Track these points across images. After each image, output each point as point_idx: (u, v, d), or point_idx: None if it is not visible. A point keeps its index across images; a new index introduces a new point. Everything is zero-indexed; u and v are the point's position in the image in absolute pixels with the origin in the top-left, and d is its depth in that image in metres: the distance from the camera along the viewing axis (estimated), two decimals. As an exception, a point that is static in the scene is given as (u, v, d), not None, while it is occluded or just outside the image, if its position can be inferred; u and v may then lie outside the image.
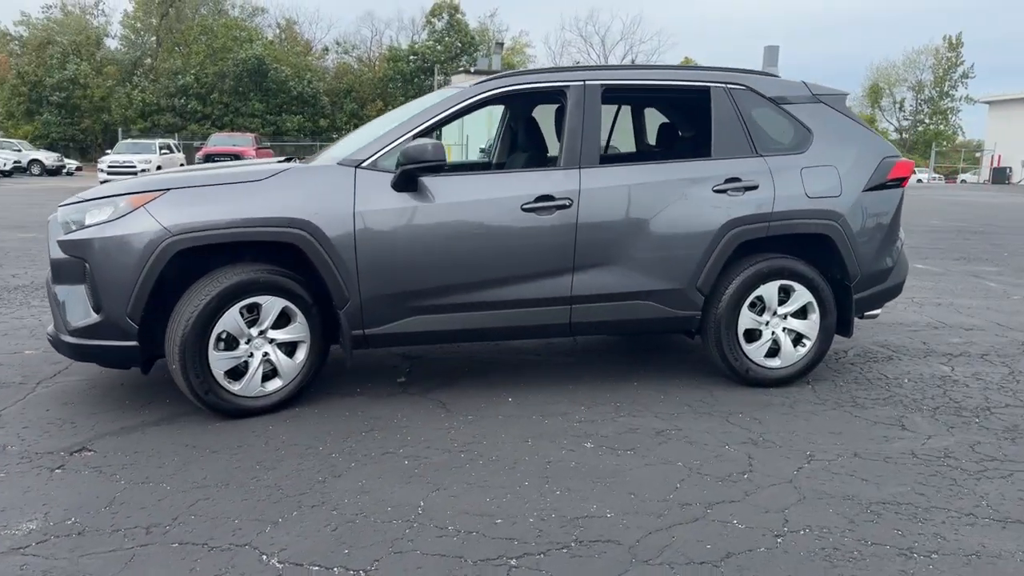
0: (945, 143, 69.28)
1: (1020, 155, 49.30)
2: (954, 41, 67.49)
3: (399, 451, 3.56)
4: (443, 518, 2.94)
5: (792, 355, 4.55)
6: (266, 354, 3.95)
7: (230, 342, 3.87)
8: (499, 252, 4.09)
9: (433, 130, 4.17)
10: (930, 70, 69.39)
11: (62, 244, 3.84)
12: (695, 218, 4.31)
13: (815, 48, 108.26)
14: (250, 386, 3.92)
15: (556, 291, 4.19)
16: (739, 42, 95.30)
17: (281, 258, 4.01)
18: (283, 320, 3.99)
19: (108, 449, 3.54)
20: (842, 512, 3.04)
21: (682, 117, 5.44)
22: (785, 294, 4.51)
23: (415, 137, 4.04)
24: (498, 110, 5.98)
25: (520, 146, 5.39)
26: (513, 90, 4.29)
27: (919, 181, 56.54)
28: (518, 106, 5.52)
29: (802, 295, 4.49)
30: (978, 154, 60.01)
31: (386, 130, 4.19)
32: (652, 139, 5.79)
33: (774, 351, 4.55)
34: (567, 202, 4.13)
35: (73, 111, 50.18)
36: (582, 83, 4.33)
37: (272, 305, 3.90)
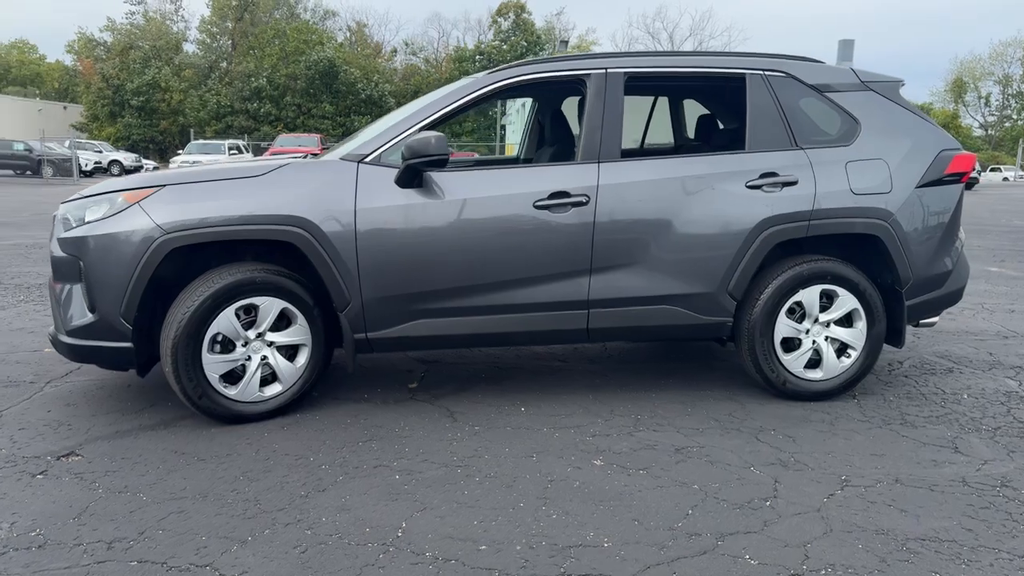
0: (1034, 139, 65.93)
1: (1117, 152, 46.42)
2: (1045, 32, 64.05)
3: (393, 464, 3.34)
4: (422, 542, 2.69)
5: (835, 366, 4.16)
6: (264, 357, 3.78)
7: (226, 345, 3.70)
8: (510, 252, 3.82)
9: (442, 122, 3.94)
10: (1019, 63, 66.13)
11: (61, 242, 3.75)
12: (726, 216, 3.97)
13: (893, 43, 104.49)
14: (247, 391, 3.75)
15: (572, 294, 3.91)
16: (813, 38, 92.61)
17: (284, 258, 3.84)
18: (284, 322, 3.81)
19: (96, 454, 3.41)
20: (873, 549, 2.68)
21: (716, 107, 5.08)
22: (828, 300, 4.12)
23: (422, 130, 3.81)
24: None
25: (547, 140, 5.11)
26: (528, 79, 4.02)
27: (1005, 179, 53.93)
28: (545, 98, 5.25)
29: (847, 301, 4.10)
30: (1070, 151, 56.88)
31: (393, 123, 3.97)
32: (691, 132, 5.44)
33: (815, 362, 4.17)
34: (583, 199, 3.84)
35: (152, 113, 51.84)
36: (603, 71, 4.03)
37: (270, 306, 3.72)
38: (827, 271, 4.06)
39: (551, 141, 4.99)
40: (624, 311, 3.97)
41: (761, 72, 4.16)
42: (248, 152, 34.09)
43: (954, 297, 4.40)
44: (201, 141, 33.93)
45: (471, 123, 48.49)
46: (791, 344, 4.15)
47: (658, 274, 3.95)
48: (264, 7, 57.65)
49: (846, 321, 4.16)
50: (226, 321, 3.65)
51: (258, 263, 3.79)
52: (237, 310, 3.67)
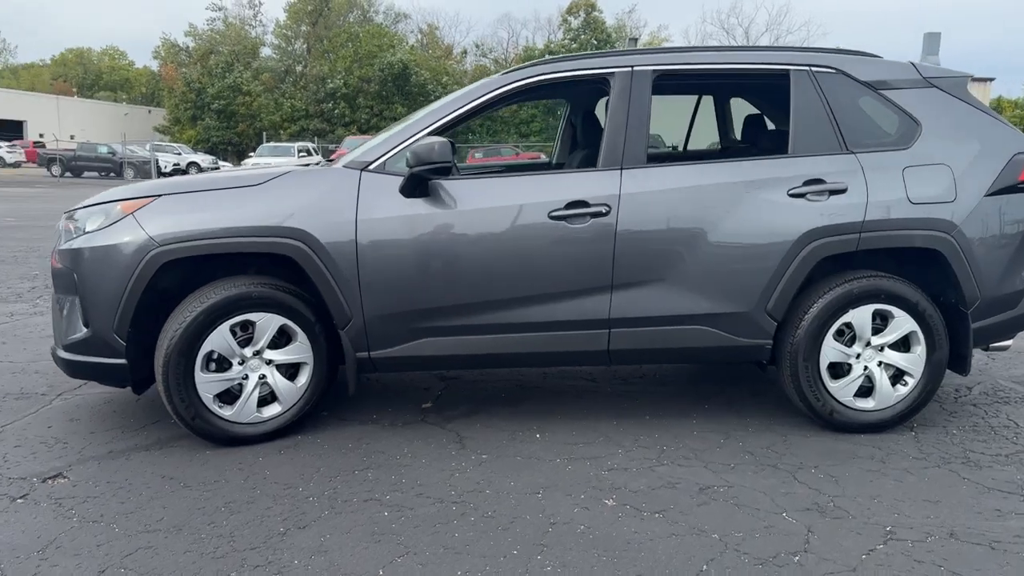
0: None
1: None
2: None
3: (385, 497, 3.08)
4: (395, 595, 2.43)
5: (889, 395, 3.73)
6: (263, 377, 3.58)
7: (221, 363, 3.51)
8: (522, 267, 3.53)
9: (452, 127, 3.66)
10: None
11: (59, 253, 3.62)
12: (764, 228, 3.58)
13: (984, 35, 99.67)
14: (244, 412, 3.55)
15: (591, 312, 3.59)
16: (896, 32, 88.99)
17: (288, 271, 3.63)
18: (284, 339, 3.60)
19: (82, 477, 3.26)
20: (914, 624, 2.30)
21: (762, 107, 4.67)
22: (882, 321, 3.69)
23: (429, 136, 3.55)
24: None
25: (579, 145, 4.79)
26: (546, 79, 3.71)
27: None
28: (577, 100, 4.93)
29: (903, 322, 3.66)
30: None
31: (399, 128, 3.72)
32: (738, 135, 5.04)
33: (867, 390, 3.75)
34: (604, 209, 3.52)
35: (231, 116, 53.21)
36: (629, 68, 3.69)
37: (268, 323, 3.51)
38: (881, 289, 3.63)
39: (583, 145, 4.67)
40: (649, 331, 3.63)
41: (807, 68, 3.75)
42: (317, 155, 34.59)
43: (1030, 318, 3.90)
44: (272, 144, 34.61)
45: (539, 124, 48.22)
46: (839, 370, 3.73)
47: (687, 291, 3.59)
48: (338, 10, 58.58)
49: (902, 345, 3.72)
50: (220, 338, 3.45)
51: (260, 277, 3.60)
52: (233, 326, 3.48)
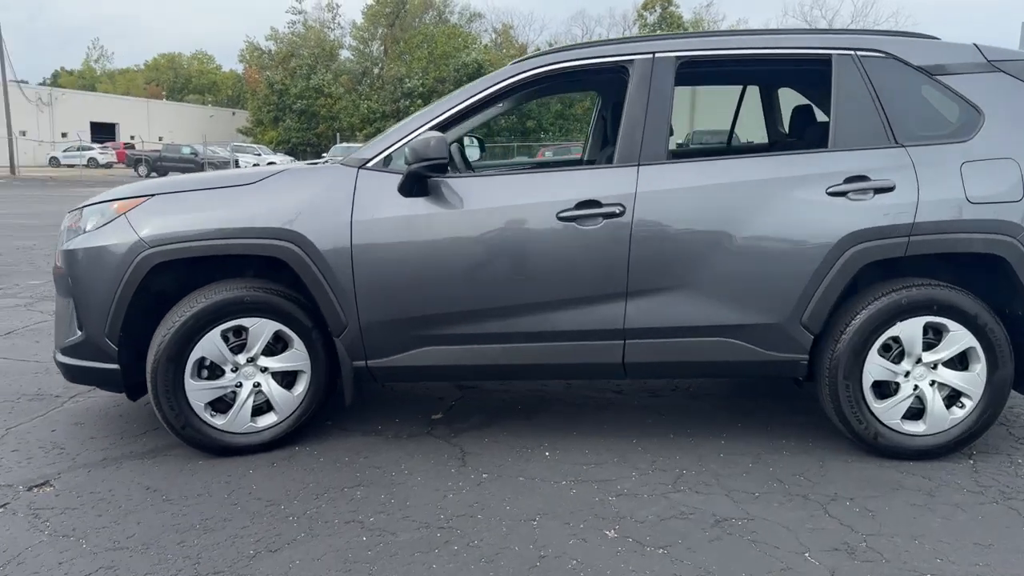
0: None
1: None
2: None
3: (368, 520, 2.86)
4: (350, 635, 2.21)
5: (943, 418, 3.32)
6: (257, 385, 3.41)
7: (214, 370, 3.36)
8: (528, 272, 3.27)
9: (457, 122, 3.43)
10: None
11: (59, 254, 3.54)
12: (799, 230, 3.23)
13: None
14: (237, 421, 3.39)
15: (604, 321, 3.29)
16: (990, 22, 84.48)
17: (288, 275, 3.45)
18: (280, 346, 3.43)
19: (68, 486, 3.15)
20: None
21: (811, 97, 4.27)
22: (935, 335, 3.29)
23: (430, 130, 3.31)
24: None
25: (610, 140, 4.48)
26: (556, 69, 3.43)
27: None
28: (607, 92, 4.62)
29: (960, 337, 3.25)
30: None
31: (403, 123, 3.50)
32: (786, 128, 4.65)
33: (917, 412, 3.35)
34: (617, 209, 3.22)
35: (312, 117, 54.35)
36: (650, 55, 3.38)
37: (261, 328, 3.35)
38: (933, 299, 3.23)
39: (613, 140, 4.36)
40: (668, 343, 3.31)
41: (852, 52, 3.37)
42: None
43: (1113, 334, 3.42)
44: (344, 144, 35.10)
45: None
46: (885, 389, 3.34)
47: (711, 300, 3.26)
48: (414, 12, 59.16)
49: (959, 362, 3.30)
50: (211, 344, 3.30)
51: (257, 280, 3.44)
52: (225, 332, 3.32)
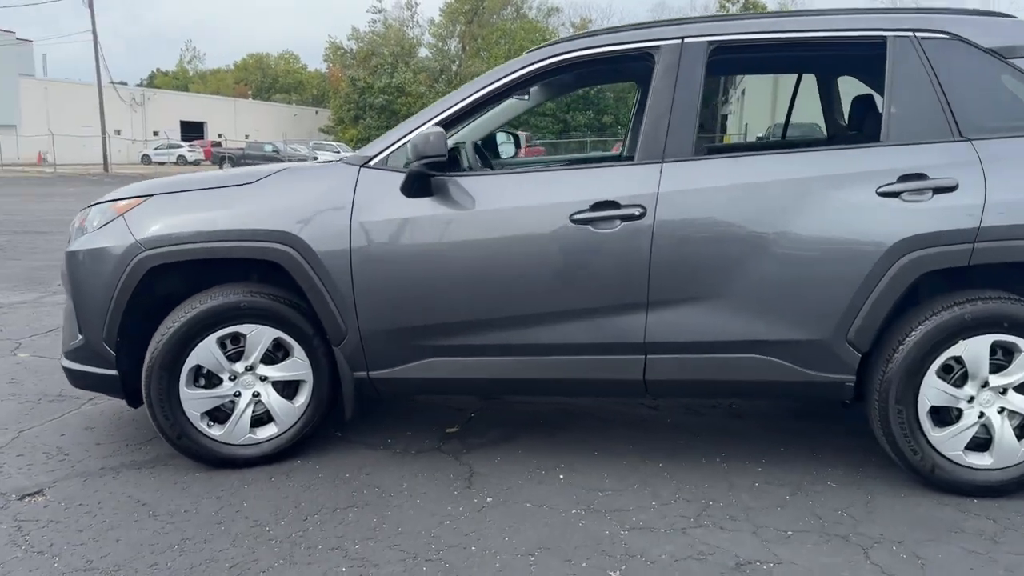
0: None
1: None
2: None
3: (354, 547, 2.64)
4: None
5: (1014, 451, 2.90)
6: (256, 394, 3.24)
7: (211, 379, 3.21)
8: (539, 279, 2.99)
9: (464, 116, 3.19)
10: None
11: (64, 255, 3.45)
12: (843, 234, 2.86)
13: None
14: (235, 432, 3.23)
15: (623, 334, 2.99)
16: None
17: (289, 279, 3.27)
18: (281, 354, 3.25)
19: (60, 496, 3.05)
20: None
21: (873, 85, 3.84)
22: (1004, 356, 2.87)
23: (434, 126, 3.07)
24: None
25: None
26: (574, 57, 3.13)
27: None
28: (645, 82, 4.27)
29: (1035, 359, 2.82)
30: None
31: (413, 117, 3.27)
32: (845, 120, 4.23)
33: (983, 442, 2.93)
34: (637, 211, 2.91)
35: (393, 115, 55.05)
36: (678, 41, 3.06)
37: (259, 336, 3.17)
38: (1003, 315, 2.81)
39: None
40: (694, 359, 2.99)
41: (910, 33, 2.97)
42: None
43: None
44: (405, 142, 35.32)
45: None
46: (946, 416, 2.94)
47: (742, 312, 2.93)
48: (492, 8, 59.21)
49: (1034, 388, 2.88)
50: (207, 352, 3.15)
51: (260, 285, 3.27)
52: (221, 339, 3.16)
